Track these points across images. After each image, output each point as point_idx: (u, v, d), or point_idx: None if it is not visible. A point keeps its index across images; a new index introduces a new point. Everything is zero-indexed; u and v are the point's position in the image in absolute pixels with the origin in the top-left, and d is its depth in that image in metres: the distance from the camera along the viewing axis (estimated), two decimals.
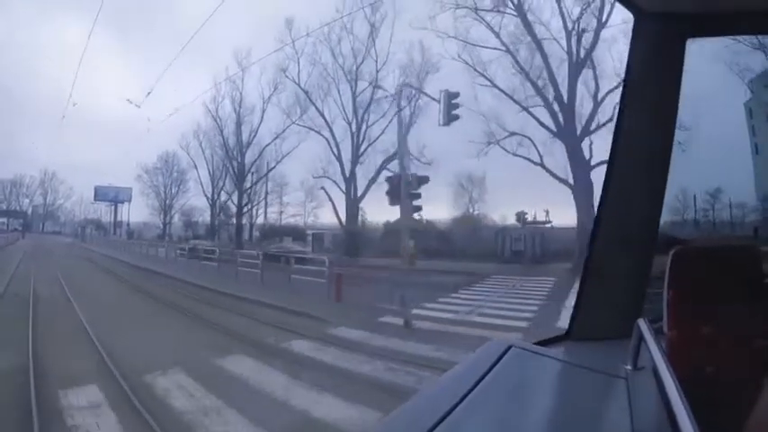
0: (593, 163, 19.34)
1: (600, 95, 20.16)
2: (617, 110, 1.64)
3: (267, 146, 29.95)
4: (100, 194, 43.93)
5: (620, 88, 1.77)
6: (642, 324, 1.20)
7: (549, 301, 12.20)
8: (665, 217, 1.61)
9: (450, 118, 16.85)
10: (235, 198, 32.56)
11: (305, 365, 7.81)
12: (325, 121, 26.28)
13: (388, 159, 24.48)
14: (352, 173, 26.07)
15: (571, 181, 20.04)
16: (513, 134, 21.51)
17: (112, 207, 46.60)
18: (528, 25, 21.34)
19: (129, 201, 43.80)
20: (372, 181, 25.50)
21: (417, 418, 1.07)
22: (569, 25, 20.85)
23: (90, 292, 13.17)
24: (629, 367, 1.25)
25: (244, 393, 6.66)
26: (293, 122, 27.58)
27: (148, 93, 22.67)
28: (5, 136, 47.58)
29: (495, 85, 21.54)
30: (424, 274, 16.96)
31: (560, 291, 12.63)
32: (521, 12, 21.28)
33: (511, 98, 21.15)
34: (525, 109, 21.34)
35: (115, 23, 39.15)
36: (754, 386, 0.84)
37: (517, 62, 21.48)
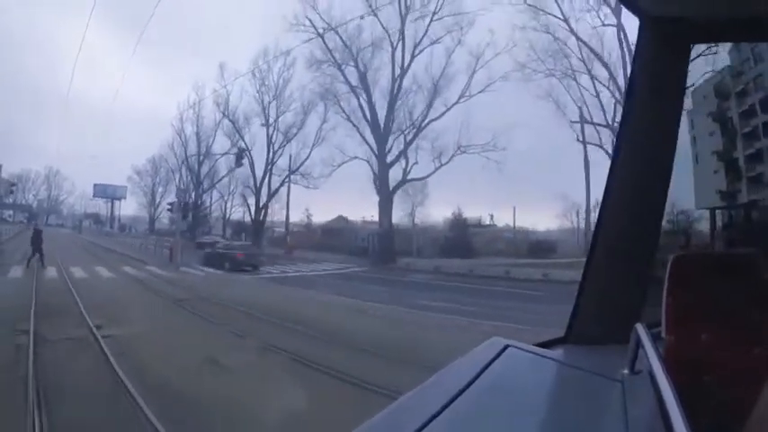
0: None
1: None
2: (620, 115, 1.64)
3: (217, 159, 37.00)
4: (98, 191, 49.90)
5: None
6: (640, 329, 1.23)
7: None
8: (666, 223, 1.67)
9: None
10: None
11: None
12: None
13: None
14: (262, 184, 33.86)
15: None
16: None
17: (109, 203, 53.16)
18: None
19: (124, 198, 50.18)
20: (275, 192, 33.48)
21: (409, 415, 1.11)
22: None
23: (67, 257, 20.38)
24: (626, 371, 1.29)
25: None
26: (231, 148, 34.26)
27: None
28: (13, 132, 53.40)
29: None
30: (273, 258, 26.61)
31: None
32: None
33: None
34: None
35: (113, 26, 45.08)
36: (751, 394, 0.86)
37: None
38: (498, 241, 33.58)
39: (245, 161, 35.34)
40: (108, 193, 49.83)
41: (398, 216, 34.63)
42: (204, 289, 14.93)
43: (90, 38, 44.09)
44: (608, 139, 23.89)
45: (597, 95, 24.58)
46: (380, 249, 27.35)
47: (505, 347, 1.48)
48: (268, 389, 5.77)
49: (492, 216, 35.12)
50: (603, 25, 23.51)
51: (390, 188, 28.44)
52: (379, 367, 6.39)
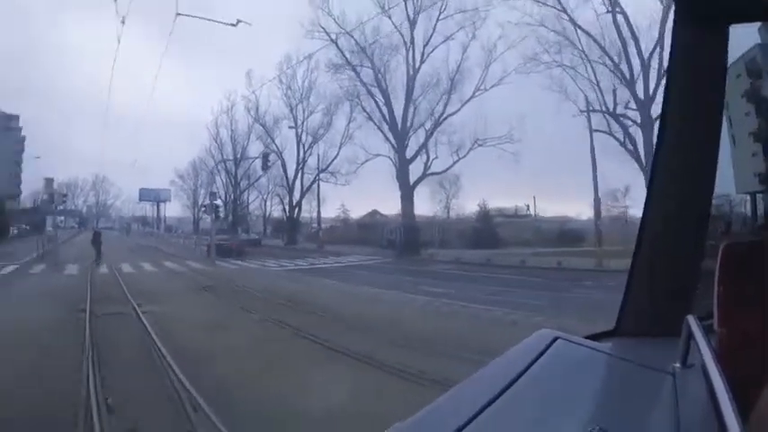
0: None
1: None
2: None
3: (252, 162, 39.57)
4: (143, 195, 53.59)
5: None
6: (692, 321, 1.21)
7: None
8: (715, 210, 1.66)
9: None
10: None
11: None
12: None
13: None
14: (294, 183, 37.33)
15: None
16: None
17: (155, 205, 57.06)
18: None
19: (169, 200, 53.96)
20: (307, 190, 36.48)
21: (459, 406, 1.10)
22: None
23: (116, 255, 22.93)
24: (677, 365, 1.27)
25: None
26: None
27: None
28: (63, 143, 57.73)
29: None
30: (305, 252, 30.29)
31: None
32: None
33: None
34: None
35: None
36: None
37: None
38: (526, 231, 35.03)
39: (276, 162, 38.24)
40: (153, 196, 53.47)
41: (434, 209, 36.79)
42: (229, 278, 17.25)
43: (126, 49, 47.40)
44: (617, 127, 24.84)
45: (597, 84, 25.29)
46: (404, 242, 29.01)
47: (554, 339, 1.47)
48: (254, 341, 8.02)
49: (528, 206, 36.66)
50: (608, 12, 24.12)
51: (411, 183, 30.16)
52: (354, 338, 8.11)
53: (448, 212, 40.60)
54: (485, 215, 37.22)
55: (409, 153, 30.80)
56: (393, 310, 11.32)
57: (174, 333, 7.91)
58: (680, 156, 1.56)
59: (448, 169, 30.81)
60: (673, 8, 1.55)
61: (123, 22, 21.95)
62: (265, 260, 24.87)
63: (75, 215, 51.44)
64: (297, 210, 38.88)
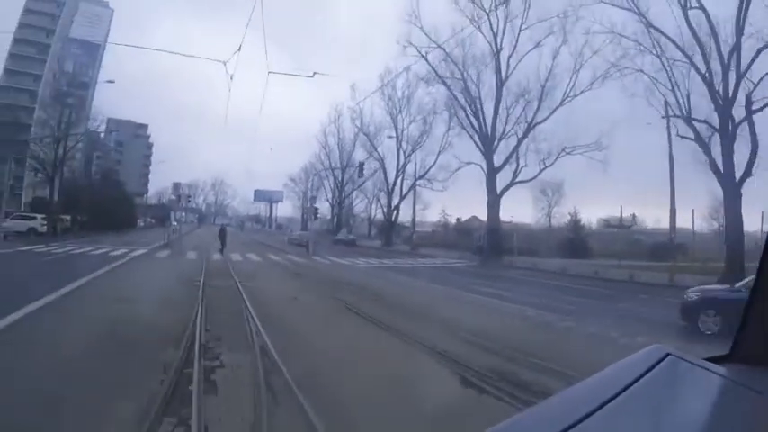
0: None
1: None
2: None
3: (354, 170, 43.03)
4: (258, 196, 60.18)
5: None
6: None
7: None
8: None
9: None
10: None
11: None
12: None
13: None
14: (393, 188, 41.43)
15: None
16: None
17: (268, 205, 63.32)
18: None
19: (281, 201, 59.94)
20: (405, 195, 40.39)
21: (559, 413, 1.09)
22: None
23: (229, 248, 26.36)
24: None
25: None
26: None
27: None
28: (187, 149, 65.24)
29: None
30: (397, 253, 33.31)
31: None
32: None
33: None
34: None
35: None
36: None
37: None
38: (619, 242, 35.38)
39: (379, 169, 41.78)
40: (266, 197, 59.63)
41: (535, 216, 38.56)
42: (317, 270, 20.36)
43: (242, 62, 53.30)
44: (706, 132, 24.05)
45: (676, 87, 25.14)
46: (489, 247, 31.01)
47: (666, 356, 1.43)
48: (310, 308, 10.97)
49: (634, 216, 37.11)
50: (691, 7, 23.67)
51: (498, 191, 31.95)
52: (385, 312, 10.41)
53: (549, 220, 42.01)
54: (575, 224, 38.17)
55: (499, 161, 32.56)
56: (428, 298, 13.61)
57: (258, 299, 10.76)
58: None
59: (535, 177, 32.48)
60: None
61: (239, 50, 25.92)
62: (357, 258, 27.77)
63: (195, 212, 58.61)
64: (396, 213, 42.02)
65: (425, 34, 32.77)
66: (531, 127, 31.47)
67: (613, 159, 30.20)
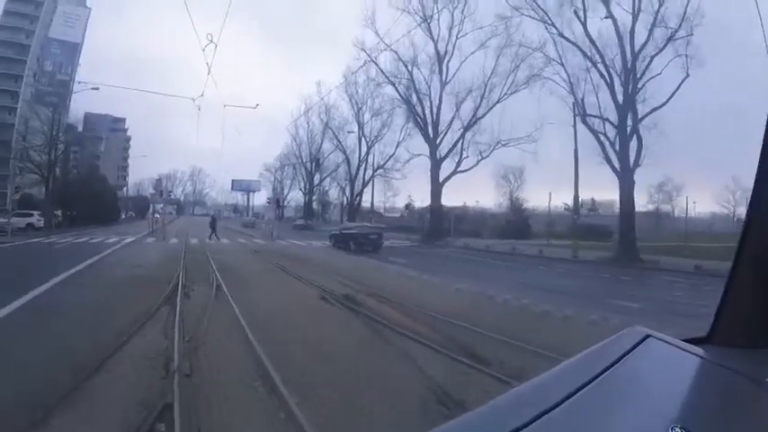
0: None
1: None
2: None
3: (321, 162, 49.23)
4: (236, 186, 64.58)
5: None
6: None
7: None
8: None
9: None
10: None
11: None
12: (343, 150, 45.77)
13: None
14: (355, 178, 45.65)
15: None
16: None
17: (245, 195, 67.90)
18: None
19: (258, 190, 64.42)
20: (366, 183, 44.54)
21: (538, 396, 1.13)
22: None
23: (205, 234, 31.02)
24: None
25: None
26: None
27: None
28: (164, 138, 69.29)
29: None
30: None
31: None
32: None
33: None
34: None
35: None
36: None
37: None
38: (557, 225, 41.19)
39: (340, 160, 47.36)
40: (244, 186, 64.12)
41: (497, 200, 44.10)
42: (273, 248, 25.76)
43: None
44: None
45: (574, 90, 30.16)
46: (429, 229, 36.53)
47: (645, 337, 1.48)
48: (254, 266, 16.53)
49: (594, 200, 42.87)
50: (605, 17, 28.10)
51: (441, 179, 37.40)
52: (305, 270, 15.94)
53: (511, 204, 47.58)
54: (517, 207, 43.86)
55: (445, 154, 37.93)
56: (343, 265, 18.70)
57: (221, 264, 16.09)
58: None
59: (472, 168, 37.58)
60: None
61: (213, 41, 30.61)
62: (316, 240, 32.90)
63: (173, 203, 62.00)
64: (359, 200, 47.54)
65: (379, 38, 37.83)
66: (470, 123, 36.83)
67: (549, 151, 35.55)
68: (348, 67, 41.70)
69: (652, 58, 27.03)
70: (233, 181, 63.36)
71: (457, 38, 36.32)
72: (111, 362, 5.76)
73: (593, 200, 43.23)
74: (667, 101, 26.90)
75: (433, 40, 36.72)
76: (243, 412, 4.47)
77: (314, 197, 56.06)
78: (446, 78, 36.98)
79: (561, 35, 30.31)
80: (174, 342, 6.65)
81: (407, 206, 44.75)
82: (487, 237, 37.56)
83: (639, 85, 27.54)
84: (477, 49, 35.16)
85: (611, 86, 28.35)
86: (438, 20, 36.70)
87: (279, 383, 4.99)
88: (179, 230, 35.12)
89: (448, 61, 36.79)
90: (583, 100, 29.61)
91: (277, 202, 43.12)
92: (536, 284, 15.42)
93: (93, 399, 4.70)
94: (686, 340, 1.59)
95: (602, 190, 41.30)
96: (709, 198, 34.42)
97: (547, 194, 41.33)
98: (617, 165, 27.54)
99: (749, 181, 1.56)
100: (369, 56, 37.93)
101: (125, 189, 61.77)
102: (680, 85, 26.39)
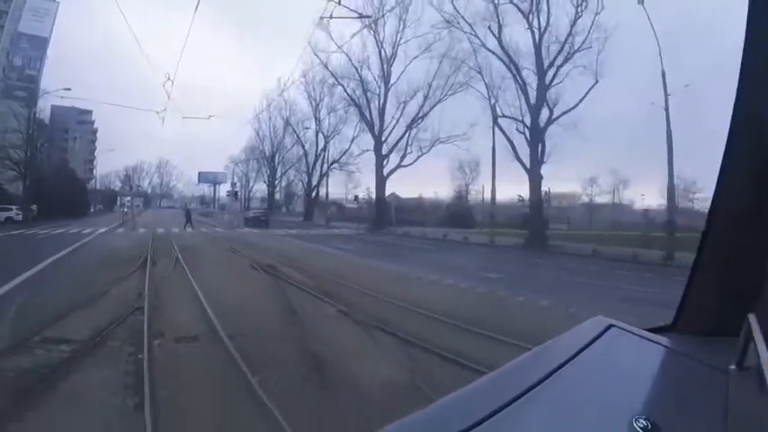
0: None
1: None
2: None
3: (282, 156, 52.90)
4: (202, 178, 67.13)
5: None
6: (752, 320, 1.24)
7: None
8: None
9: None
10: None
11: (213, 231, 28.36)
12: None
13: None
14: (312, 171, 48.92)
15: None
16: None
17: (212, 187, 70.91)
18: None
19: (225, 182, 67.49)
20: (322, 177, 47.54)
21: (503, 388, 1.16)
22: None
23: (171, 225, 34.05)
24: (733, 366, 1.29)
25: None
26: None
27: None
28: (130, 128, 71.11)
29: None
30: (310, 225, 43.49)
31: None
32: None
33: None
34: None
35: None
36: None
37: None
38: (497, 215, 45.76)
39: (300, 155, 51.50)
40: (210, 178, 67.06)
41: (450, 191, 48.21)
42: (231, 236, 30.06)
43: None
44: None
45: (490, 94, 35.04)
46: (375, 219, 40.99)
47: (608, 327, 1.52)
48: (210, 251, 20.87)
49: (547, 192, 46.49)
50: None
51: (385, 174, 41.89)
52: (261, 255, 20.34)
53: (466, 195, 51.87)
54: (459, 198, 48.30)
55: (397, 150, 42.09)
56: (288, 248, 23.25)
57: (183, 247, 20.36)
58: (753, 146, 1.53)
59: (413, 163, 41.73)
60: None
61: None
62: (273, 229, 37.17)
63: (140, 195, 62.92)
64: (316, 192, 51.83)
65: (332, 39, 41.77)
66: (412, 122, 41.32)
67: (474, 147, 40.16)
68: (306, 64, 45.46)
69: (558, 67, 31.57)
70: (200, 173, 65.40)
71: (398, 44, 40.32)
72: (108, 293, 10.25)
73: (546, 191, 46.59)
74: (576, 104, 31.29)
75: (378, 45, 40.88)
76: (182, 317, 8.87)
77: (276, 189, 59.79)
78: (390, 81, 41.18)
79: (483, 46, 34.61)
80: (145, 284, 11.14)
81: (356, 198, 48.85)
82: (432, 225, 40.95)
83: (549, 91, 32.04)
84: (417, 55, 39.24)
85: (525, 92, 32.88)
86: (384, 25, 40.67)
87: (204, 302, 9.44)
88: (147, 222, 39.13)
89: (391, 64, 40.89)
90: (494, 105, 34.47)
91: (236, 194, 47.15)
92: (433, 261, 20.07)
93: (102, 304, 9.20)
94: (650, 329, 1.66)
95: (560, 182, 45.33)
96: (656, 192, 38.49)
97: (502, 186, 44.62)
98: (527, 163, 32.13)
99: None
100: (319, 58, 41.94)
101: (92, 182, 63.28)
102: (589, 91, 30.87)
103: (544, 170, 32.20)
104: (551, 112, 32.32)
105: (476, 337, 7.48)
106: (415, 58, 39.33)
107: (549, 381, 1.21)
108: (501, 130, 33.25)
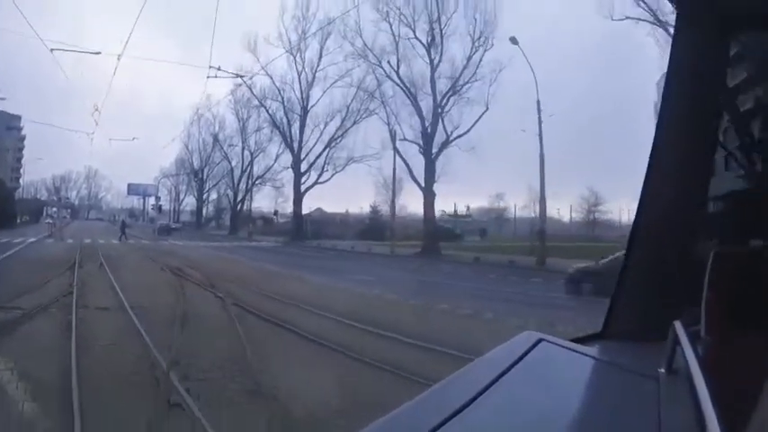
0: None
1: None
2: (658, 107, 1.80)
3: (210, 172, 55.87)
4: (132, 190, 67.03)
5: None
6: (678, 326, 1.28)
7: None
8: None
9: None
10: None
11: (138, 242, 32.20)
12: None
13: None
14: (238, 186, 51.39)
15: None
16: None
17: (142, 199, 71.72)
18: None
19: (155, 195, 68.43)
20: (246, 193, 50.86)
21: (438, 405, 1.16)
22: None
23: (99, 236, 36.60)
24: (662, 370, 1.34)
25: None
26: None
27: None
28: (57, 136, 69.49)
29: None
30: (234, 238, 44.56)
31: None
32: None
33: None
34: None
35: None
36: None
37: None
38: (409, 229, 50.11)
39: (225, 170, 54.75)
40: (140, 191, 67.60)
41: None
42: (154, 245, 33.62)
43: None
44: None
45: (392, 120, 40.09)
46: (294, 232, 45.08)
47: (538, 341, 1.55)
48: (133, 259, 24.71)
49: (468, 207, 47.30)
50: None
51: (302, 190, 45.94)
52: (169, 259, 24.23)
53: (393, 210, 55.63)
54: (373, 213, 52.35)
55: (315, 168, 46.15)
56: (199, 255, 27.24)
57: (108, 254, 24.00)
58: (674, 163, 1.64)
59: (328, 180, 44.45)
60: (675, 13, 1.64)
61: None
62: (196, 241, 39.65)
63: (68, 206, 60.75)
64: (241, 206, 55.01)
65: (258, 61, 43.68)
66: (329, 143, 45.47)
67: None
68: (234, 82, 48.18)
69: (445, 96, 36.97)
70: (129, 185, 64.60)
71: (315, 72, 44.49)
72: (46, 284, 14.24)
73: (467, 207, 49.14)
74: (468, 130, 36.13)
75: (297, 71, 44.97)
76: (101, 298, 12.84)
77: (205, 203, 62.34)
78: (310, 104, 45.39)
79: (387, 76, 39.23)
80: (74, 279, 15.14)
81: (275, 213, 52.27)
82: (352, 239, 43.88)
83: (446, 117, 36.98)
84: (335, 81, 43.03)
85: (421, 118, 37.66)
86: (304, 52, 44.65)
87: (118, 290, 13.50)
88: (74, 233, 41.77)
89: (311, 88, 44.80)
90: (393, 130, 38.67)
91: (160, 207, 50.20)
92: (321, 267, 24.46)
93: (42, 291, 13.24)
94: (580, 338, 1.74)
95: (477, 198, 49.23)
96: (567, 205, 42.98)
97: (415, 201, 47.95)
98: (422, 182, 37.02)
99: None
100: (243, 81, 45.49)
101: (19, 191, 61.69)
102: (479, 118, 35.73)
103: (444, 188, 37.22)
104: (447, 136, 37.14)
105: (298, 310, 11.93)
106: (333, 83, 43.17)
107: (480, 400, 1.20)
108: (398, 152, 37.81)
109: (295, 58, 44.17)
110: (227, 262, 24.82)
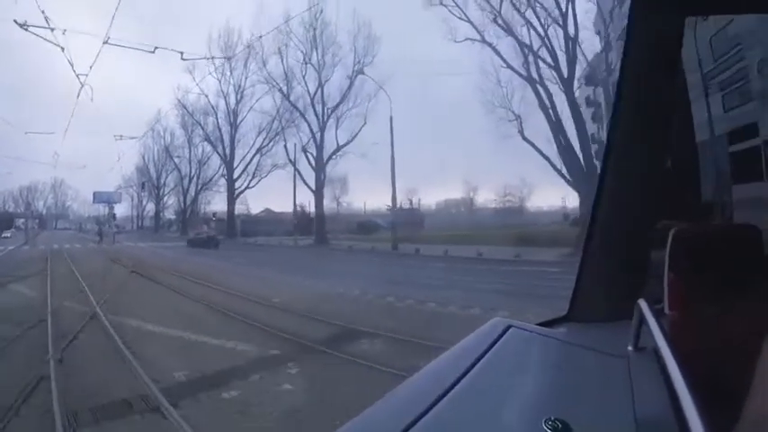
0: None
1: None
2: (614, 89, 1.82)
3: (164, 180, 63.91)
4: (97, 198, 67.88)
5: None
6: (643, 305, 1.33)
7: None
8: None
9: None
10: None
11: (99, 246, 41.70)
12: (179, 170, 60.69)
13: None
14: (187, 191, 59.14)
15: None
16: None
17: (108, 207, 77.32)
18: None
19: (119, 202, 72.62)
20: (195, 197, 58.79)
21: (413, 400, 1.20)
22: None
23: (65, 243, 43.08)
24: (630, 348, 1.40)
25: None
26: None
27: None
28: (23, 146, 68.42)
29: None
30: (180, 239, 48.17)
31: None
32: None
33: None
34: None
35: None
36: (754, 365, 0.94)
37: None
38: (346, 224, 57.13)
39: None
40: (105, 198, 70.54)
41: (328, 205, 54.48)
42: (112, 249, 42.68)
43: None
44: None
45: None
46: (227, 230, 52.55)
47: (508, 327, 1.61)
48: (96, 260, 34.35)
49: (415, 201, 51.32)
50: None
51: (235, 193, 54.43)
52: (122, 258, 33.96)
53: (337, 208, 62.87)
54: (302, 210, 60.47)
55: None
56: (145, 254, 36.52)
57: (74, 258, 32.76)
58: (631, 143, 1.66)
59: (256, 185, 52.24)
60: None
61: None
62: (152, 242, 47.86)
63: (35, 216, 64.23)
64: (190, 210, 63.07)
65: (195, 81, 48.83)
66: (257, 152, 52.63)
67: None
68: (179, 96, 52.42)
69: (324, 115, 45.67)
70: (95, 193, 62.58)
71: (242, 92, 51.72)
72: (28, 270, 24.17)
73: (410, 201, 51.26)
74: (348, 142, 43.76)
75: (223, 93, 52.20)
76: (66, 284, 22.11)
77: (162, 208, 69.42)
78: (237, 120, 52.49)
79: (287, 99, 47.22)
80: (47, 270, 24.85)
81: (214, 215, 60.43)
82: (279, 235, 49.52)
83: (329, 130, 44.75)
84: (259, 98, 49.24)
85: (312, 132, 45.50)
86: (231, 73, 51.60)
87: (79, 278, 23.16)
88: (46, 241, 49.12)
89: (239, 102, 51.16)
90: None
91: (114, 215, 58.46)
92: (221, 255, 34.44)
93: (25, 272, 23.24)
94: (547, 322, 1.79)
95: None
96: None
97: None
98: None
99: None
100: (178, 100, 52.72)
101: None
102: (359, 131, 43.05)
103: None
104: (338, 145, 45.45)
105: (172, 276, 21.71)
106: (258, 100, 49.58)
107: (456, 390, 1.23)
108: (290, 161, 46.86)
109: (220, 81, 51.82)
110: (155, 255, 34.58)
